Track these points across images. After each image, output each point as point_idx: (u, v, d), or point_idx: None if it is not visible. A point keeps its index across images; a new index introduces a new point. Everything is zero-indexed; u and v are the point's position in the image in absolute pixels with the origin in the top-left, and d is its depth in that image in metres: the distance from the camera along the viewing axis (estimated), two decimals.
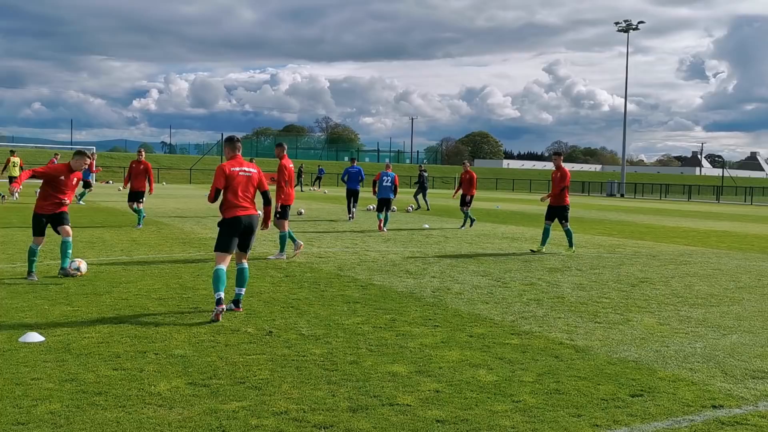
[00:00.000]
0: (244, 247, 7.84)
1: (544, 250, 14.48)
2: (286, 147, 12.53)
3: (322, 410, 4.71)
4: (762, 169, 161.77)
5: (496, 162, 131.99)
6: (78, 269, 9.64)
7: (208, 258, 11.92)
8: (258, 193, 7.98)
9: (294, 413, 4.64)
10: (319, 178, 59.09)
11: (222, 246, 7.61)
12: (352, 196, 22.25)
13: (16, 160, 32.70)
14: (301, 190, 50.02)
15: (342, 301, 8.56)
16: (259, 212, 7.98)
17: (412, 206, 29.93)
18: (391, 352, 6.25)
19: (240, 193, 7.71)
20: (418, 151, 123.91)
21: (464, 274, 11.06)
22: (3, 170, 32.04)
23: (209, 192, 7.72)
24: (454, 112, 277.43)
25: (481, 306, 8.52)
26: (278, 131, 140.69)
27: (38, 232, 9.54)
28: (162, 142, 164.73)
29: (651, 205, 45.99)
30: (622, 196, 65.29)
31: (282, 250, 12.42)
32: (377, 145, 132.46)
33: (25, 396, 4.82)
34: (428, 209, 29.39)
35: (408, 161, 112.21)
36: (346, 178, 22.51)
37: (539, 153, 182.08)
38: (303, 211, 24.52)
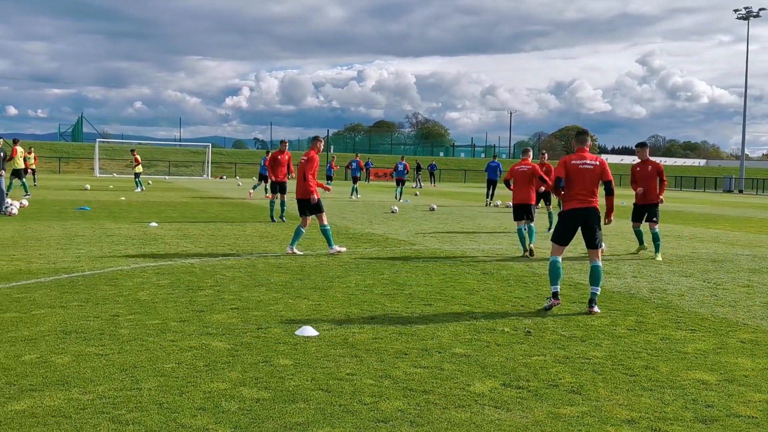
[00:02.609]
0: (591, 243, 7.84)
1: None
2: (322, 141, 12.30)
3: (670, 420, 4.45)
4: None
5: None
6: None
7: (409, 255, 11.85)
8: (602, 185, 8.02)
9: (645, 422, 4.39)
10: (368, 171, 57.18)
11: (557, 238, 7.87)
12: (491, 185, 28.21)
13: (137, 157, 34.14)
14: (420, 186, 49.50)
15: (566, 301, 8.27)
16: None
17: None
18: (677, 358, 5.93)
19: (580, 187, 7.77)
20: (514, 146, 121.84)
21: (664, 274, 10.59)
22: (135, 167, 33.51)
23: (547, 183, 7.76)
24: (542, 106, 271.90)
25: (719, 309, 8.07)
26: (368, 127, 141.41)
27: None
28: (255, 138, 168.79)
29: None
30: (740, 192, 62.35)
31: (330, 244, 11.88)
32: (471, 140, 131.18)
33: (358, 392, 4.76)
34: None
35: (504, 156, 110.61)
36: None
37: (632, 147, 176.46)
38: (434, 206, 24.14)
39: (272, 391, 4.76)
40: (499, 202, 28.29)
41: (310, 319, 6.91)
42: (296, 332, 6.34)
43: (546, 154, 16.52)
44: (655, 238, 12.49)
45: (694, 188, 66.88)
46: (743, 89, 67.71)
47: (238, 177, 60.82)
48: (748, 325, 7.29)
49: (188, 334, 6.21)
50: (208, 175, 59.00)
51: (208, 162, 60.00)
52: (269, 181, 18.41)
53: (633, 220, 12.96)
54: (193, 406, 4.43)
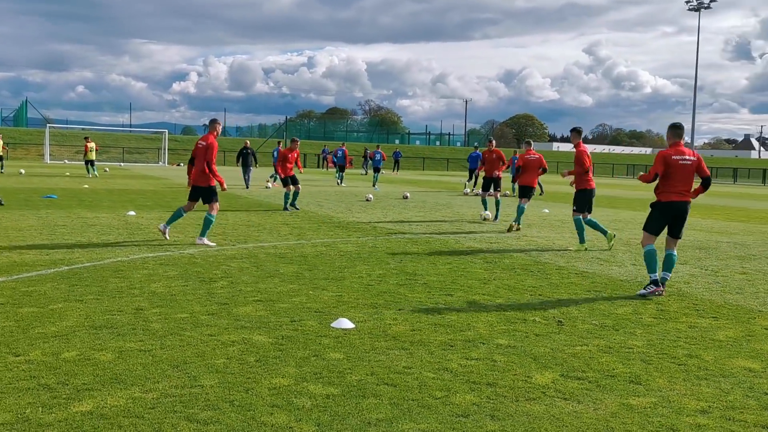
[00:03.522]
0: (676, 233, 8.21)
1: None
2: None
3: (738, 409, 4.50)
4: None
5: (545, 145, 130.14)
6: None
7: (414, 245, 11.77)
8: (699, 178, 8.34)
9: (716, 412, 4.44)
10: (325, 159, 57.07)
11: (650, 227, 8.24)
12: (473, 174, 29.08)
13: (92, 145, 33.61)
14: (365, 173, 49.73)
15: (581, 289, 8.34)
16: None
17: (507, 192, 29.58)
18: (714, 346, 6.02)
19: (678, 181, 8.04)
20: (468, 134, 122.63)
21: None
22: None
23: (647, 175, 8.19)
24: (492, 94, 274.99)
25: (729, 296, 8.23)
26: (321, 114, 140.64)
27: None
28: (204, 125, 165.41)
29: (737, 189, 44.89)
30: None
31: (203, 234, 11.28)
32: (426, 128, 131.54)
33: (425, 386, 4.69)
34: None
35: (459, 144, 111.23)
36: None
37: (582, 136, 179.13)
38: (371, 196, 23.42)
39: (337, 386, 4.65)
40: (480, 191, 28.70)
41: (337, 310, 6.81)
42: (332, 324, 6.24)
43: (494, 142, 17.67)
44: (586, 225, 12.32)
45: None
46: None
47: None
48: (762, 312, 7.46)
49: (223, 327, 6.04)
50: (164, 162, 57.84)
51: (164, 149, 58.84)
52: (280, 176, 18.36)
53: (580, 210, 12.26)
54: (264, 403, 4.31)
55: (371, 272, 9.03)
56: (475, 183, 30.02)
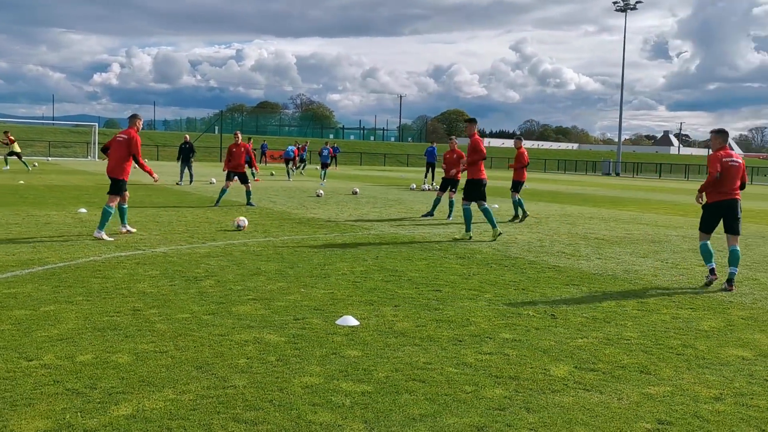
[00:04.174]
0: (734, 230, 8.68)
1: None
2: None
3: (748, 395, 4.78)
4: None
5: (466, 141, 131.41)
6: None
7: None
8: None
9: (729, 399, 4.70)
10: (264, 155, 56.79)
11: (703, 227, 8.89)
12: (430, 168, 30.86)
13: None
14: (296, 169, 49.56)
15: (560, 283, 8.60)
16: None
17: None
18: (703, 336, 6.34)
19: (727, 181, 8.62)
20: (401, 129, 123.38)
21: (622, 255, 11.17)
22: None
23: (710, 178, 8.56)
24: (421, 90, 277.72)
25: (699, 288, 8.64)
26: (252, 108, 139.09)
27: None
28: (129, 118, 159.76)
29: (664, 184, 46.69)
30: (617, 174, 66.14)
31: (101, 226, 11.16)
32: (360, 123, 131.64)
33: (453, 381, 4.80)
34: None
35: (393, 139, 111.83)
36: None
37: (510, 131, 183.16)
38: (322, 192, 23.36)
39: (368, 383, 4.71)
40: (437, 186, 29.08)
41: (335, 308, 6.85)
42: (337, 322, 6.27)
43: (456, 141, 16.72)
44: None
45: (575, 171, 70.36)
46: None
47: None
48: (733, 302, 7.86)
49: (230, 327, 6.00)
50: (94, 157, 56.12)
51: (94, 143, 57.05)
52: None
53: (469, 199, 12.64)
54: (303, 402, 4.33)
55: (353, 269, 9.08)
56: (433, 178, 30.73)
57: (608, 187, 38.31)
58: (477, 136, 12.43)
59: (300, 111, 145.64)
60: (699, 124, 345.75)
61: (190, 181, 26.95)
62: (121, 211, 11.85)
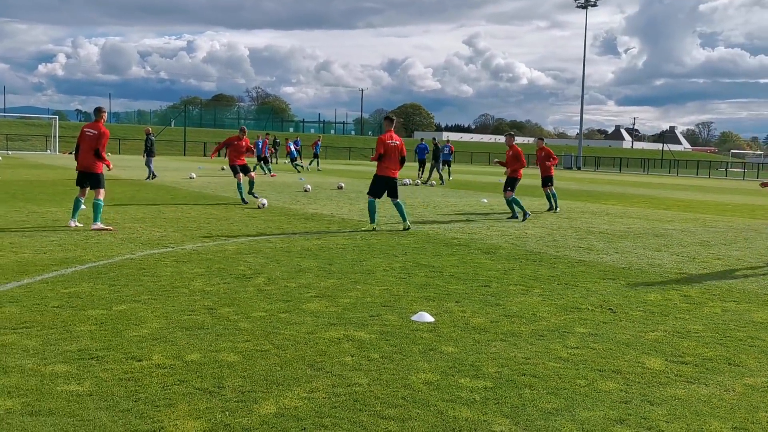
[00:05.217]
0: None
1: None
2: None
3: None
4: (679, 143, 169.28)
5: (435, 135, 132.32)
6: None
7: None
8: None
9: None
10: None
11: None
12: (422, 165, 31.50)
13: None
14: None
15: (595, 277, 8.81)
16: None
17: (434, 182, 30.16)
18: (761, 327, 6.59)
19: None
20: (362, 123, 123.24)
21: (638, 249, 11.47)
22: None
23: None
24: (376, 83, 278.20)
25: (732, 281, 8.96)
26: (206, 101, 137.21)
27: None
28: (77, 110, 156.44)
29: (627, 178, 47.70)
30: (579, 168, 67.30)
31: (96, 219, 11.57)
32: (318, 116, 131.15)
33: (564, 375, 4.93)
34: (443, 183, 29.76)
35: (354, 133, 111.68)
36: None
37: (465, 125, 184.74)
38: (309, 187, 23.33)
39: (485, 379, 4.81)
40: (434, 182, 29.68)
41: (400, 304, 6.92)
42: (413, 318, 6.35)
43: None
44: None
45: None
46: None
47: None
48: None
49: (314, 325, 6.03)
50: (55, 150, 54.82)
51: (55, 136, 55.74)
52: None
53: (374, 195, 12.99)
54: (436, 398, 4.40)
55: (391, 265, 9.15)
56: (422, 174, 31.29)
57: (578, 182, 39.00)
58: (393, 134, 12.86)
59: (256, 104, 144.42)
60: (646, 119, 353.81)
61: (152, 177, 26.01)
62: (77, 204, 12.06)
